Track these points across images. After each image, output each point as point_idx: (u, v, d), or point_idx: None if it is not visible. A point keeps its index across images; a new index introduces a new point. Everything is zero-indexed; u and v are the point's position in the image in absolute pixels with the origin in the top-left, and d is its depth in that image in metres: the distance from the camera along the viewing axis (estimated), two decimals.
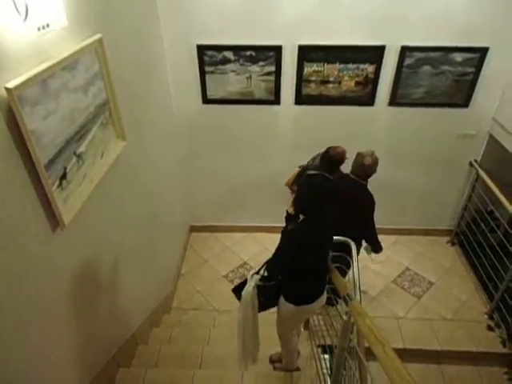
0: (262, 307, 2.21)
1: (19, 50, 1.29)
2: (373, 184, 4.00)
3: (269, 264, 2.11)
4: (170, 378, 2.43)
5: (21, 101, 1.25)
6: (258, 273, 2.15)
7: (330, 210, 1.99)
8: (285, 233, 2.04)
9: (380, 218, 4.28)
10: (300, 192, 1.93)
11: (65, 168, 1.57)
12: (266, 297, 2.16)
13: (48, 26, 1.41)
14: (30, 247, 1.41)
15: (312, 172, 1.91)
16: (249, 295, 2.11)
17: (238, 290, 2.20)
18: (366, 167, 2.77)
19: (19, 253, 1.35)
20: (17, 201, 1.32)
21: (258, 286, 2.11)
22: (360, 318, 1.65)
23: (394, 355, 1.34)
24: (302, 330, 2.86)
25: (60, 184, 1.53)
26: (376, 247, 3.11)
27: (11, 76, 1.23)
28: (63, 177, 1.56)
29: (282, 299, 2.18)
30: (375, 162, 2.77)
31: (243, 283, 2.18)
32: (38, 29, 1.36)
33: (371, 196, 2.92)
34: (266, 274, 2.13)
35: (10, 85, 1.20)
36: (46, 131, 1.42)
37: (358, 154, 2.78)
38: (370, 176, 2.84)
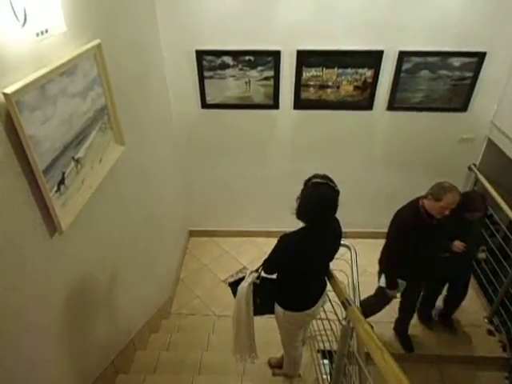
0: (258, 310, 2.18)
1: (18, 56, 1.29)
2: (371, 189, 4.02)
3: (265, 263, 2.10)
4: None
5: (19, 106, 1.25)
6: (257, 271, 2.13)
7: (334, 220, 1.97)
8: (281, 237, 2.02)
9: (380, 223, 4.29)
10: (302, 200, 1.88)
11: (63, 173, 1.57)
12: (262, 297, 2.14)
13: (47, 31, 1.41)
14: (27, 253, 1.40)
15: (317, 180, 1.87)
16: (244, 291, 2.09)
17: (234, 285, 2.19)
18: (439, 212, 2.45)
19: (16, 258, 1.34)
20: (14, 206, 1.31)
21: (254, 285, 2.10)
22: (359, 324, 1.64)
23: (392, 362, 1.33)
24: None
25: (58, 189, 1.53)
26: (388, 283, 2.83)
27: (9, 81, 1.23)
28: (61, 182, 1.55)
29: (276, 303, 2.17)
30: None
31: (241, 279, 2.16)
32: (37, 34, 1.36)
33: (404, 224, 2.59)
34: (263, 273, 2.11)
35: (9, 90, 1.19)
36: (45, 136, 1.42)
37: (449, 192, 2.39)
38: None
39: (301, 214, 1.88)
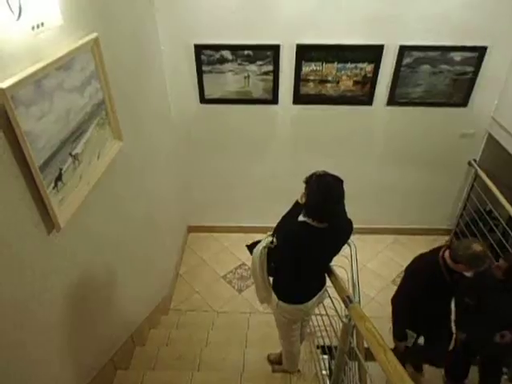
0: (272, 272, 2.20)
1: (13, 50, 1.26)
2: (371, 185, 4.01)
3: (276, 228, 2.09)
4: (168, 380, 2.42)
5: (15, 101, 1.23)
6: (273, 235, 2.12)
7: (339, 214, 1.91)
8: (282, 226, 2.03)
9: (379, 218, 4.30)
10: (310, 194, 1.85)
11: (60, 169, 1.55)
12: (275, 261, 2.14)
13: (42, 24, 1.38)
14: (24, 250, 1.38)
15: (320, 172, 1.85)
16: (258, 254, 2.13)
17: (251, 248, 2.22)
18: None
19: (13, 256, 1.33)
20: (10, 203, 1.29)
21: (268, 248, 2.11)
22: (361, 322, 1.63)
23: (395, 360, 1.33)
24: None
25: (55, 186, 1.51)
26: (394, 332, 2.62)
27: (4, 76, 1.20)
28: (58, 178, 1.53)
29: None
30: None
31: (258, 242, 2.19)
32: (32, 28, 1.33)
33: (417, 273, 2.43)
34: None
35: (4, 85, 1.17)
36: (41, 132, 1.40)
37: (473, 253, 2.18)
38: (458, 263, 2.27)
39: (311, 208, 1.85)
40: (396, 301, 2.57)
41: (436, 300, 2.42)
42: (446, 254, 2.31)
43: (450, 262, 2.27)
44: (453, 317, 2.64)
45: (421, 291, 2.38)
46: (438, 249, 2.41)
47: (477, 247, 2.17)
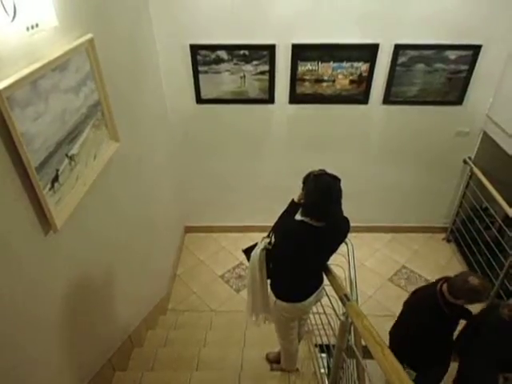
0: (270, 274, 2.21)
1: (7, 51, 1.26)
2: (367, 183, 4.02)
3: (274, 228, 2.10)
4: (166, 381, 2.42)
5: (10, 102, 1.22)
6: (268, 236, 2.13)
7: (337, 213, 1.92)
8: (280, 224, 2.04)
9: (376, 217, 4.32)
10: (307, 194, 1.87)
11: (57, 170, 1.55)
12: (273, 261, 2.16)
13: (37, 25, 1.38)
14: (21, 251, 1.38)
15: (317, 172, 1.86)
16: (256, 257, 2.12)
17: (248, 251, 2.22)
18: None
19: (10, 257, 1.32)
20: (7, 205, 1.29)
21: (266, 250, 2.12)
22: (358, 319, 1.64)
23: (392, 358, 1.34)
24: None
25: (52, 187, 1.51)
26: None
27: (0, 77, 1.20)
28: (55, 179, 1.53)
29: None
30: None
31: (254, 245, 2.19)
32: (27, 29, 1.33)
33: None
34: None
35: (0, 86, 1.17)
36: (37, 133, 1.40)
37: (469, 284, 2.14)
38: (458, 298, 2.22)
39: (309, 207, 1.86)
40: (394, 333, 2.55)
41: (435, 334, 2.38)
42: (444, 287, 2.27)
43: (448, 296, 2.24)
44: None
45: (418, 325, 2.36)
46: (436, 282, 2.38)
47: (474, 280, 2.13)
